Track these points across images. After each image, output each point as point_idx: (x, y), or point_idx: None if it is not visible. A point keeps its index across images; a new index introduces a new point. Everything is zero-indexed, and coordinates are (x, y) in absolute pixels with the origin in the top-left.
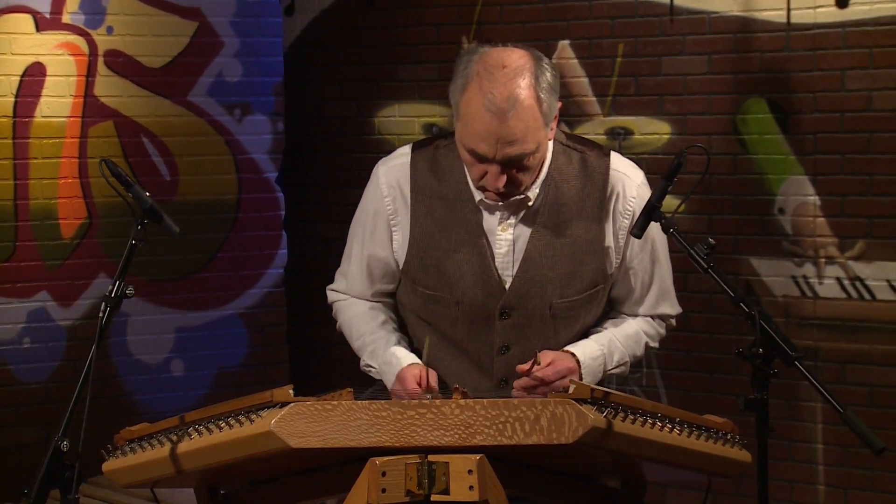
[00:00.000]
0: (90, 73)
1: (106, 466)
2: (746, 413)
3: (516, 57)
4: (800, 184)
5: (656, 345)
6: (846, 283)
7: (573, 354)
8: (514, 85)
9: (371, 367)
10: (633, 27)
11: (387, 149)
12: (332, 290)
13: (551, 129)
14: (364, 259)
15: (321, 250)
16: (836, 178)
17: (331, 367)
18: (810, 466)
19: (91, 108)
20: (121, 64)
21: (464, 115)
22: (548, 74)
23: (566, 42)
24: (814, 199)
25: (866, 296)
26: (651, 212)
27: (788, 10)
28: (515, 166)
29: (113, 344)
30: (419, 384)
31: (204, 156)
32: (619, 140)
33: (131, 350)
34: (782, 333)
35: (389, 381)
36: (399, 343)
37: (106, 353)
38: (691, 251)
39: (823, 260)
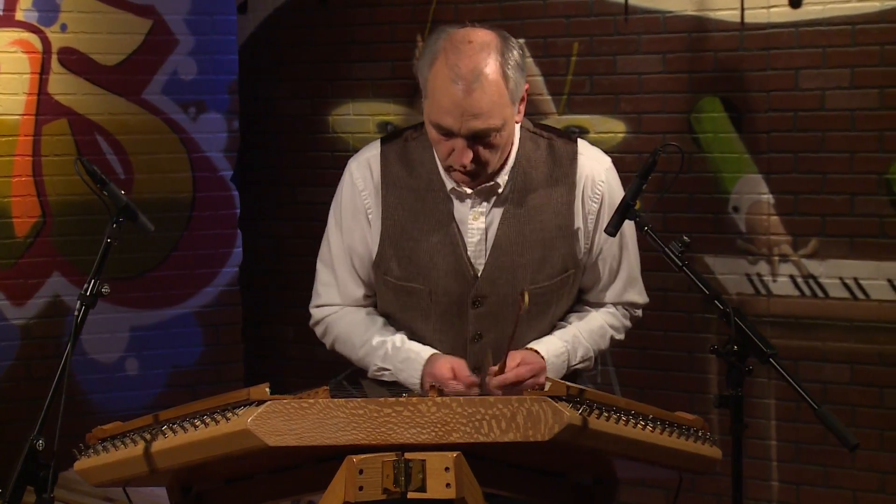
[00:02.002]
0: (44, 71)
1: (78, 465)
2: (708, 411)
3: (482, 34)
4: (754, 182)
5: (622, 337)
6: (799, 280)
7: (537, 352)
8: (479, 58)
9: (385, 369)
10: (588, 26)
11: (341, 147)
12: (319, 305)
13: (518, 112)
14: (349, 259)
15: (275, 249)
16: (790, 176)
17: (285, 366)
18: (763, 462)
19: (45, 106)
20: (75, 61)
21: (431, 91)
22: (515, 52)
23: (521, 41)
24: (767, 197)
25: (819, 293)
26: (626, 210)
27: (742, 9)
28: (481, 142)
29: (67, 343)
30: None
31: (159, 154)
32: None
33: (85, 349)
34: (757, 331)
35: (413, 377)
36: (408, 339)
37: (60, 352)
38: (666, 249)
39: (777, 258)
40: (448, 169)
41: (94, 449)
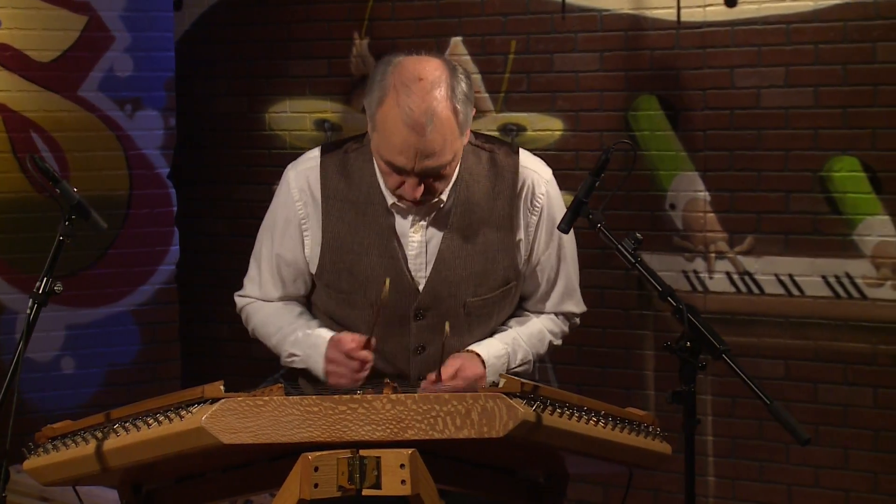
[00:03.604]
0: None
1: (27, 465)
2: (646, 408)
3: (432, 69)
4: (690, 180)
5: (560, 342)
6: (735, 277)
7: (478, 354)
8: (431, 98)
9: (295, 355)
10: (525, 24)
11: (278, 145)
12: (241, 295)
13: (465, 136)
14: (275, 263)
15: (211, 246)
16: (726, 174)
17: (221, 363)
18: (700, 458)
19: None
20: (9, 58)
21: (381, 128)
22: (463, 84)
23: (458, 39)
24: (704, 194)
25: (755, 290)
26: (579, 207)
27: (678, 8)
28: (433, 176)
29: (2, 342)
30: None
31: (94, 151)
32: (512, 136)
33: None
34: (710, 327)
35: (318, 362)
36: (321, 326)
37: None
38: (619, 246)
39: (713, 255)
40: (397, 196)
41: (44, 448)
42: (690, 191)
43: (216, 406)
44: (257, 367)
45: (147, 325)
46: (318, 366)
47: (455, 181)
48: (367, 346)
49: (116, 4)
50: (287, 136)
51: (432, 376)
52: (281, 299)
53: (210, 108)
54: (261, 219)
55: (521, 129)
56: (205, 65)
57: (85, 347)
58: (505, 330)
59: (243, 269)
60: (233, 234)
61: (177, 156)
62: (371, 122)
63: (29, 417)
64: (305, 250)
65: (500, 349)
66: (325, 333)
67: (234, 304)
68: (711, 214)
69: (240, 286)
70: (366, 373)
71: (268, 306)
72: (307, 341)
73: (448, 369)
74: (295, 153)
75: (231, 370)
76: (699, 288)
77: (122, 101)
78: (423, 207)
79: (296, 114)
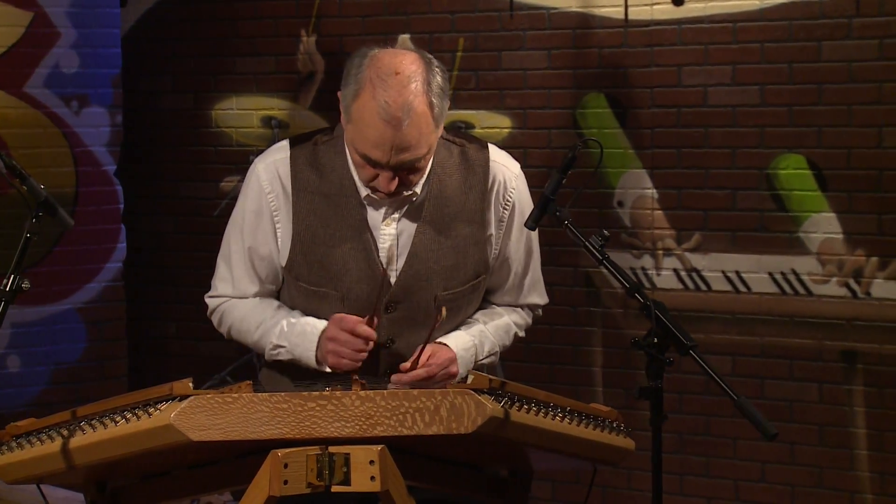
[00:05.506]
0: None
1: None
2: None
3: (408, 62)
4: (638, 177)
5: (524, 334)
6: (683, 274)
7: (446, 344)
8: (407, 92)
9: (281, 347)
10: (473, 22)
11: (224, 142)
12: (213, 296)
13: (440, 130)
14: (248, 259)
15: (157, 244)
16: (673, 171)
17: (168, 361)
18: (646, 454)
19: None
20: None
21: (356, 121)
22: (438, 78)
23: (406, 36)
24: (651, 192)
25: (702, 286)
26: (546, 204)
27: (626, 6)
28: (407, 169)
29: None
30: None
31: (41, 148)
32: None
33: None
34: (677, 323)
35: (309, 349)
36: (304, 315)
37: None
38: (587, 243)
39: (661, 252)
40: (371, 188)
41: (8, 446)
42: (638, 188)
43: (185, 403)
44: (204, 364)
45: (93, 322)
46: (308, 354)
47: (428, 174)
48: (369, 323)
49: (62, 0)
50: (234, 134)
51: (406, 365)
52: (256, 295)
53: (156, 104)
54: (208, 216)
55: (469, 126)
56: (151, 61)
57: (31, 345)
58: (472, 323)
59: (189, 266)
60: (179, 231)
61: (123, 153)
62: (346, 115)
63: None
64: (278, 243)
65: (467, 342)
66: (313, 321)
67: (181, 301)
68: (659, 212)
69: (186, 283)
70: (365, 354)
71: (243, 303)
72: (293, 330)
73: (422, 357)
74: (242, 150)
75: (178, 368)
76: (647, 285)
77: (69, 97)
78: (397, 200)
79: (242, 111)
